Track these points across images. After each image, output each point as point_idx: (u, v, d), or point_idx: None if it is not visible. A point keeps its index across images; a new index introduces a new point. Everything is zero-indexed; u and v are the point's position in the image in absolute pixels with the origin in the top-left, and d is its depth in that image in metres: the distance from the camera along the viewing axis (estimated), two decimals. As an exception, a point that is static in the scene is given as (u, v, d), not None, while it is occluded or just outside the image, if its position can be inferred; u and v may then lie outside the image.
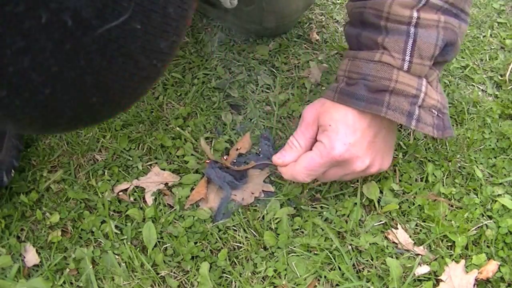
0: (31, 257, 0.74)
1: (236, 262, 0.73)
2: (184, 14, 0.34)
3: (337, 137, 0.66)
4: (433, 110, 0.67)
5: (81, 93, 0.31)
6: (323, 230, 0.76)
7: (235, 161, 0.85)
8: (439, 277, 0.70)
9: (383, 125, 0.69)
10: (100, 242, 0.75)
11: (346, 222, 0.77)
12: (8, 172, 0.78)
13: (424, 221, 0.78)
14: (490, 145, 0.89)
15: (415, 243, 0.75)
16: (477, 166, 0.86)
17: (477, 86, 1.03)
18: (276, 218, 0.77)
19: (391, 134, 0.72)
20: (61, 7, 0.27)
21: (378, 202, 0.80)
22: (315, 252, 0.73)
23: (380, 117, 0.66)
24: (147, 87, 0.37)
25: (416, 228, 0.77)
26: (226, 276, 0.71)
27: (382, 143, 0.70)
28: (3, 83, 0.29)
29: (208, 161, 0.83)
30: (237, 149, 0.86)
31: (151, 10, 0.31)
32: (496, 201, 0.80)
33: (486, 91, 1.02)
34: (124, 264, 0.72)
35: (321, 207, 0.79)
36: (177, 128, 0.90)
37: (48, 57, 0.28)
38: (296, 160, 0.71)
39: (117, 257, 0.73)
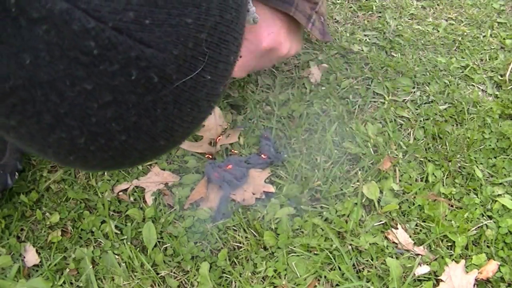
0: (31, 257, 0.73)
1: (236, 262, 0.73)
2: (237, 58, 0.36)
3: (261, 30, 0.74)
4: (321, 17, 0.79)
5: (151, 139, 0.33)
6: (323, 230, 0.76)
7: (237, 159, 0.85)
8: (439, 277, 0.70)
9: (290, 22, 0.79)
10: (100, 242, 0.75)
11: (346, 222, 0.77)
12: (12, 174, 0.78)
13: (424, 221, 0.78)
14: (490, 145, 0.89)
15: (415, 243, 0.75)
16: (477, 166, 0.86)
17: (477, 86, 1.03)
18: (276, 218, 0.77)
19: (297, 29, 0.82)
20: (149, 65, 0.29)
21: (378, 202, 0.80)
22: (315, 252, 0.73)
23: (288, 17, 0.77)
24: (200, 125, 0.39)
25: (416, 228, 0.77)
26: (226, 276, 0.71)
27: (292, 32, 0.80)
28: (83, 131, 0.30)
29: (210, 157, 0.83)
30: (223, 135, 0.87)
31: (219, 61, 0.33)
32: (496, 201, 0.80)
33: (486, 91, 1.02)
34: (124, 264, 0.72)
35: (321, 207, 0.79)
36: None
37: (130, 108, 0.30)
38: None
39: (117, 257, 0.73)
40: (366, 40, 1.13)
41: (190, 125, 0.35)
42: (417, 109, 0.96)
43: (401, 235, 0.75)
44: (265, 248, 0.74)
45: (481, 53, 1.11)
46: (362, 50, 1.10)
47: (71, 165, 0.35)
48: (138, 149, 0.34)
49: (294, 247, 0.74)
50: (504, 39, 1.15)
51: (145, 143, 0.33)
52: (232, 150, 0.87)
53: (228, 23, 0.33)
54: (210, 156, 0.85)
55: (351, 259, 0.73)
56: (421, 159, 0.87)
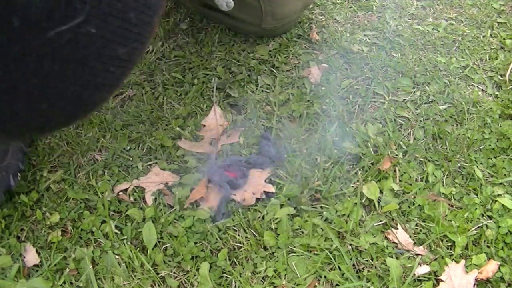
0: (31, 257, 0.73)
1: (236, 262, 0.73)
2: (148, 20, 0.32)
3: None
4: None
5: (29, 99, 0.29)
6: (323, 230, 0.76)
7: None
8: (439, 277, 0.70)
9: None
10: (100, 242, 0.75)
11: (346, 222, 0.77)
12: (15, 175, 0.79)
13: (424, 221, 0.78)
14: (490, 145, 0.89)
15: (415, 243, 0.75)
16: (477, 166, 0.86)
17: (477, 86, 1.03)
18: (276, 218, 0.77)
19: None
20: (8, 6, 0.25)
21: (378, 202, 0.80)
22: (315, 252, 0.73)
23: None
24: (105, 95, 0.35)
25: (416, 228, 0.77)
26: (226, 276, 0.71)
27: None
28: None
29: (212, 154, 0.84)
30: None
31: (109, 14, 0.29)
32: (496, 201, 0.80)
33: (486, 91, 1.02)
34: (124, 264, 0.72)
35: (321, 207, 0.79)
36: (177, 128, 0.90)
37: None
38: None
39: (117, 257, 0.73)
40: (366, 40, 1.13)
41: (84, 90, 0.31)
42: (417, 109, 0.96)
43: (401, 235, 0.75)
44: (265, 248, 0.74)
45: (481, 53, 1.11)
46: (362, 50, 1.10)
47: None
48: (15, 110, 0.30)
49: (294, 247, 0.74)
50: (504, 39, 1.15)
51: (23, 104, 0.29)
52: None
53: None
54: (214, 154, 0.85)
55: (351, 259, 0.73)
56: (421, 159, 0.87)
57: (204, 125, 0.91)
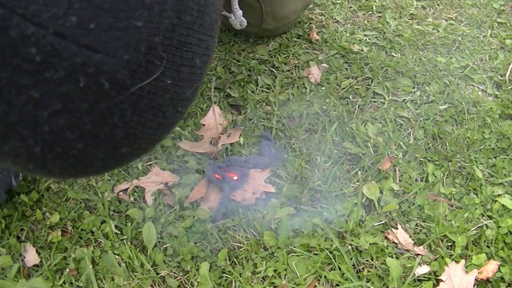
0: (31, 257, 0.73)
1: (236, 262, 0.73)
2: (207, 60, 0.35)
3: None
4: None
5: (112, 146, 0.32)
6: (323, 230, 0.76)
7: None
8: (439, 277, 0.70)
9: None
10: (100, 242, 0.75)
11: (346, 222, 0.77)
12: (17, 175, 0.79)
13: (424, 221, 0.78)
14: (490, 145, 0.89)
15: (415, 243, 0.75)
16: (477, 166, 0.86)
17: (477, 86, 1.03)
18: (276, 218, 0.77)
19: None
20: (98, 71, 0.28)
21: (378, 202, 0.80)
22: (315, 252, 0.73)
23: None
24: (170, 131, 0.38)
25: (416, 228, 0.77)
26: (226, 276, 0.71)
27: None
28: (37, 140, 0.30)
29: (214, 155, 0.84)
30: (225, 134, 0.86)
31: (181, 64, 0.32)
32: (496, 201, 0.80)
33: (486, 91, 1.02)
34: (124, 264, 0.72)
35: (321, 207, 0.79)
36: (177, 128, 0.90)
37: (83, 116, 0.29)
38: None
39: (117, 257, 0.73)
40: (366, 40, 1.13)
41: (156, 131, 0.34)
42: (417, 109, 0.96)
43: (401, 235, 0.75)
44: (265, 248, 0.74)
45: (481, 53, 1.11)
46: (362, 50, 1.10)
47: (34, 173, 0.34)
48: (100, 157, 0.33)
49: (294, 247, 0.74)
50: (504, 39, 1.15)
51: (106, 151, 0.32)
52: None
53: (189, 25, 0.31)
54: (214, 155, 0.85)
55: (351, 259, 0.73)
56: (421, 159, 0.87)
57: (204, 124, 0.91)
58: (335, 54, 1.09)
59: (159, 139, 0.37)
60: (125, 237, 0.75)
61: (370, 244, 0.74)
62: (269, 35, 1.10)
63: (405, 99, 0.99)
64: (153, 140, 0.35)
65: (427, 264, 0.72)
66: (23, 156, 0.31)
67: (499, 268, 0.71)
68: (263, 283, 0.70)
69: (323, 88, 1.00)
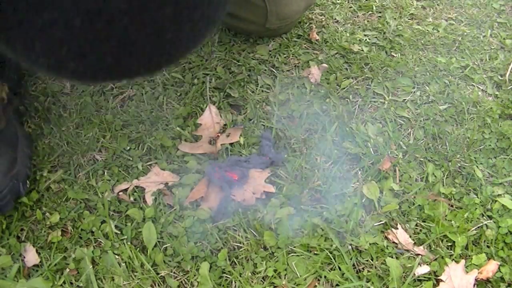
0: (31, 257, 0.73)
1: (236, 262, 0.73)
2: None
3: None
4: None
5: (158, 27, 0.32)
6: (323, 230, 0.76)
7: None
8: (439, 277, 0.70)
9: None
10: (100, 242, 0.75)
11: (346, 222, 0.77)
12: (24, 182, 0.78)
13: (424, 221, 0.78)
14: (490, 145, 0.89)
15: (415, 243, 0.75)
16: (477, 166, 0.86)
17: (477, 86, 1.03)
18: (276, 218, 0.77)
19: None
20: None
21: (378, 202, 0.80)
22: (315, 252, 0.73)
23: None
24: (207, 35, 0.38)
25: (416, 228, 0.77)
26: (226, 276, 0.71)
27: None
28: (78, 10, 0.28)
29: (214, 154, 0.84)
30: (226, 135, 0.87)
31: None
32: (496, 201, 0.80)
33: (486, 91, 1.02)
34: (124, 264, 0.72)
35: (321, 207, 0.79)
36: (177, 128, 0.90)
37: None
38: None
39: (117, 257, 0.73)
40: (366, 40, 1.13)
41: (199, 23, 0.35)
42: (417, 109, 0.97)
43: (401, 235, 0.75)
44: (265, 248, 0.74)
45: (481, 53, 1.11)
46: (362, 50, 1.10)
47: (64, 64, 0.32)
48: (146, 41, 0.32)
49: (294, 247, 0.74)
50: (504, 39, 1.15)
51: (151, 34, 0.32)
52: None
53: None
54: (214, 154, 0.85)
55: (351, 259, 0.73)
56: (421, 159, 0.87)
57: (201, 124, 0.91)
58: (335, 54, 1.09)
59: (198, 37, 0.37)
60: (125, 237, 0.75)
61: (370, 244, 0.74)
62: (271, 35, 1.10)
63: (405, 99, 0.99)
64: (194, 35, 0.35)
65: (427, 264, 0.72)
66: (60, 32, 0.29)
67: (499, 268, 0.71)
68: (263, 283, 0.70)
69: (323, 88, 1.00)
